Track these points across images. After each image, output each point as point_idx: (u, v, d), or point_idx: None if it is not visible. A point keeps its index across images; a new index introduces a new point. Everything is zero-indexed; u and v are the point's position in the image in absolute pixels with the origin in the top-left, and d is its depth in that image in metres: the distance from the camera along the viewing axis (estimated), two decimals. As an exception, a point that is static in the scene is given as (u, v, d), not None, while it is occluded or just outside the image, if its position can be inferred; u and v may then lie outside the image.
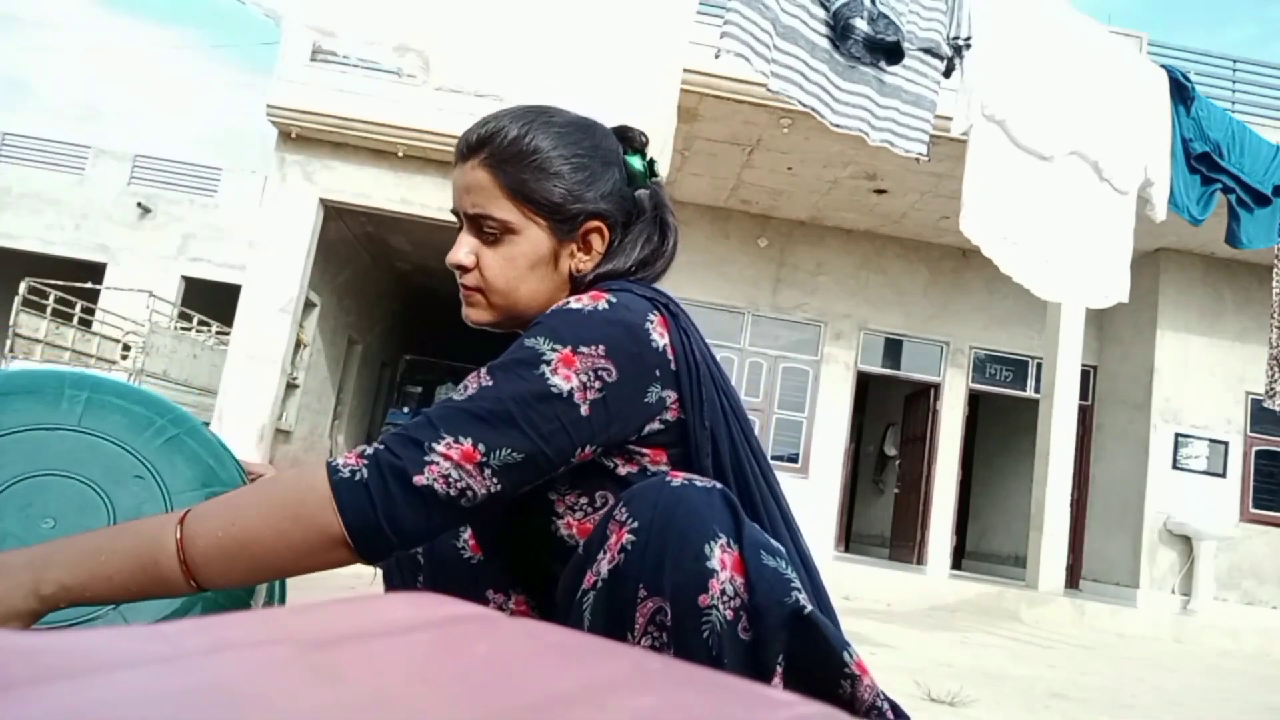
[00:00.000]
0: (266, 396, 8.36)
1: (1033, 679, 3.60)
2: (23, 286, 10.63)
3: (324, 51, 8.30)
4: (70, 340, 11.19)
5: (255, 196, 15.06)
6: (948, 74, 3.76)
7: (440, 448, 0.78)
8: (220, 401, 8.37)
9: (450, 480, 0.78)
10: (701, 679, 0.32)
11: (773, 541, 0.79)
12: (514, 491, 0.82)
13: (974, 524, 11.73)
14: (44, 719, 0.22)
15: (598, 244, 0.99)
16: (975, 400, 10.13)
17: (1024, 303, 8.28)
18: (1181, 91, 4.40)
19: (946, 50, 3.68)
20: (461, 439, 0.78)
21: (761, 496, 0.91)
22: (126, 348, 11.45)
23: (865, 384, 10.17)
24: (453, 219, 1.01)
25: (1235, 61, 8.53)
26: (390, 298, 14.10)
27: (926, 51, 3.65)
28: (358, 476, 0.76)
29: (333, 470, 0.77)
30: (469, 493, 0.79)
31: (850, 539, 10.92)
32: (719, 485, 0.78)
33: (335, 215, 9.44)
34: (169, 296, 14.54)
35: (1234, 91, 8.38)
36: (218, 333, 12.84)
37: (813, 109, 3.47)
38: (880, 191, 8.45)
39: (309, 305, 9.60)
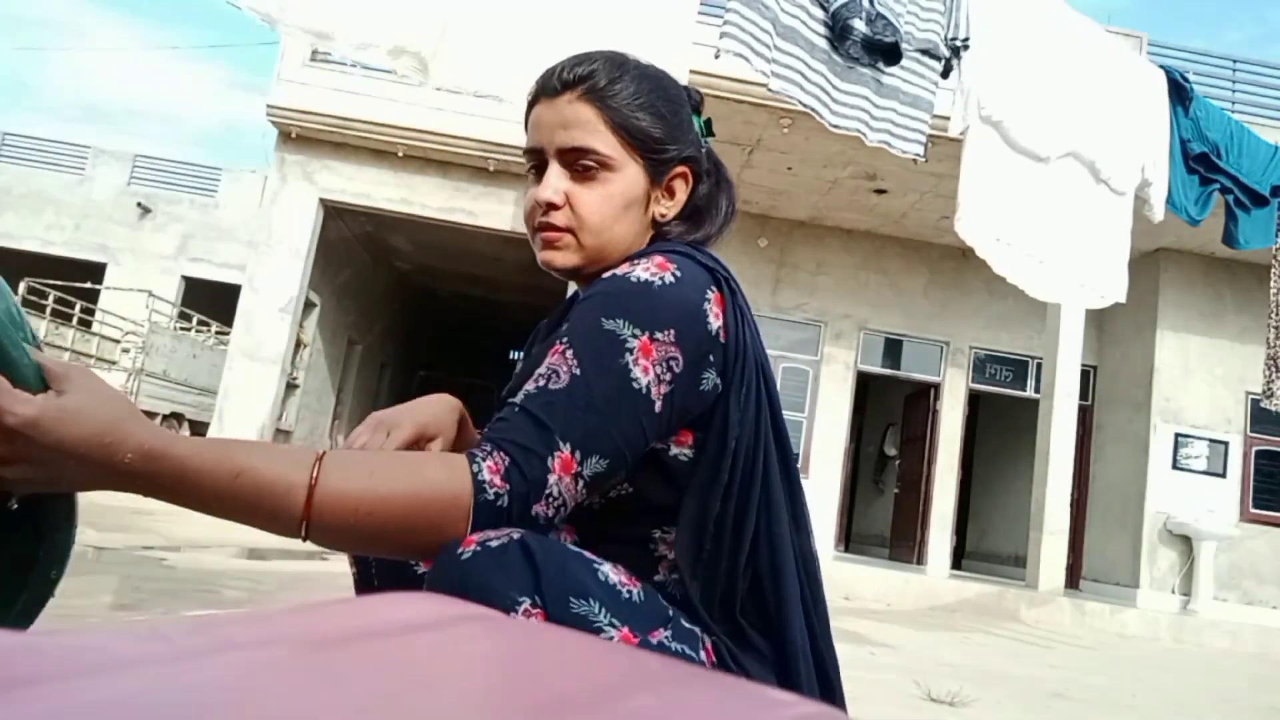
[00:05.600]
0: (266, 396, 8.36)
1: (1033, 679, 3.60)
2: (23, 286, 10.62)
3: (324, 52, 8.30)
4: (70, 340, 11.18)
5: (255, 196, 15.06)
6: (945, 75, 3.76)
7: (554, 463, 0.76)
8: (220, 401, 8.37)
9: (551, 500, 0.76)
10: (701, 679, 0.32)
11: (596, 576, 0.74)
12: (588, 500, 0.81)
13: (974, 524, 11.72)
14: (44, 719, 0.22)
15: (681, 191, 0.98)
16: (975, 400, 10.12)
17: (1024, 303, 8.27)
18: (1180, 92, 4.40)
19: (944, 51, 3.68)
20: (563, 445, 0.76)
21: (769, 496, 0.87)
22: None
23: (865, 384, 10.17)
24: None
25: (1235, 61, 8.53)
26: (390, 298, 14.10)
27: (924, 52, 3.65)
28: (500, 503, 0.74)
29: (480, 487, 0.74)
30: (562, 509, 0.78)
31: (850, 539, 10.91)
32: (515, 535, 0.72)
33: (335, 215, 9.44)
34: (169, 296, 14.53)
35: (1234, 91, 8.37)
36: (218, 333, 12.84)
37: (812, 109, 3.47)
38: (880, 191, 8.45)
39: (309, 305, 9.59)
